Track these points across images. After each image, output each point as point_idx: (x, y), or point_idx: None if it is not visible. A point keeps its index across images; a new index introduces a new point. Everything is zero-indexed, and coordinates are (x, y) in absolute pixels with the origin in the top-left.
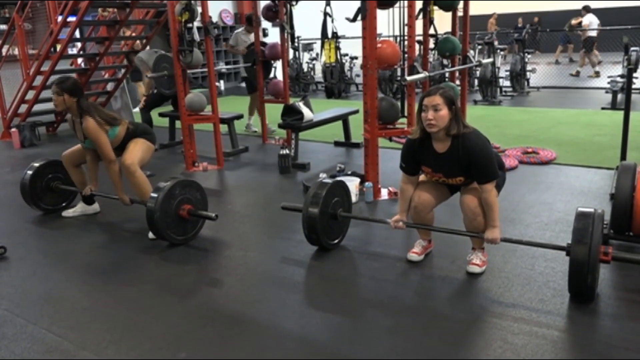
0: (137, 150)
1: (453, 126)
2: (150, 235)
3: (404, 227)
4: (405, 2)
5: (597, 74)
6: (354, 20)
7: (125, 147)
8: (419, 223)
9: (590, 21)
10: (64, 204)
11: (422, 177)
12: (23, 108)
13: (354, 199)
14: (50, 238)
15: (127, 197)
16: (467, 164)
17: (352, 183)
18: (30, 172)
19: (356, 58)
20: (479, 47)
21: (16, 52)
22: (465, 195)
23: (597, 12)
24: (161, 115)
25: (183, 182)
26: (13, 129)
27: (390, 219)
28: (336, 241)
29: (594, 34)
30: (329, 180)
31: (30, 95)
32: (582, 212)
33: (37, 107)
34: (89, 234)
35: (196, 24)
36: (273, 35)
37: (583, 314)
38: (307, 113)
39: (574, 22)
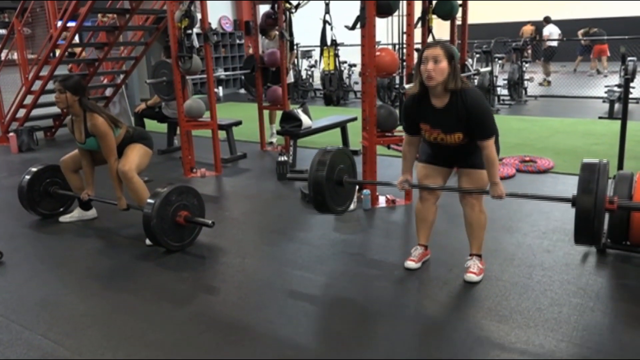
0: (135, 156)
1: (451, 81)
2: (148, 241)
3: (409, 188)
4: (404, 11)
5: (549, 83)
6: (353, 28)
7: (122, 152)
8: (424, 216)
9: (551, 32)
10: (61, 209)
11: (423, 171)
12: (21, 113)
13: (351, 206)
14: (47, 243)
15: (124, 201)
16: (466, 118)
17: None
18: (28, 177)
19: (355, 65)
20: (477, 55)
21: (15, 56)
22: (466, 207)
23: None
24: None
25: (180, 189)
26: (11, 134)
27: (396, 182)
28: (342, 208)
29: (554, 44)
30: (333, 147)
31: (29, 100)
32: (587, 163)
33: (35, 112)
34: (85, 239)
35: (195, 30)
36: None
37: (580, 323)
38: (305, 120)
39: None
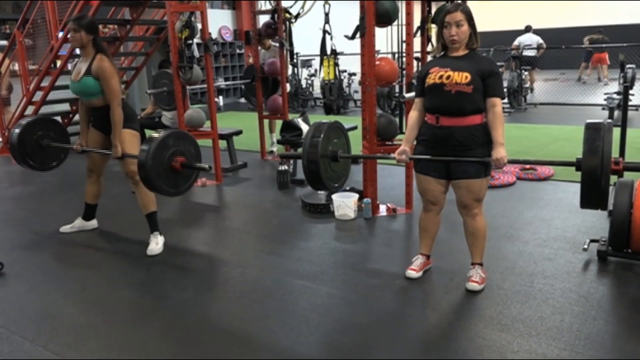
0: (134, 153)
1: (473, 41)
2: (148, 252)
3: (407, 160)
4: (404, 20)
5: (531, 91)
6: (352, 37)
7: (109, 123)
8: (426, 225)
9: (520, 41)
10: (54, 163)
11: (420, 185)
12: None
13: (352, 215)
14: (47, 254)
15: (120, 149)
16: (481, 69)
17: (351, 199)
18: (18, 130)
19: (355, 74)
20: None
21: (16, 67)
22: (466, 217)
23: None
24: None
25: (177, 134)
26: None
27: (394, 155)
28: (337, 184)
29: (530, 53)
30: (326, 122)
31: (30, 110)
32: (591, 123)
33: None
34: (86, 250)
35: (196, 40)
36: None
37: (583, 331)
38: (305, 129)
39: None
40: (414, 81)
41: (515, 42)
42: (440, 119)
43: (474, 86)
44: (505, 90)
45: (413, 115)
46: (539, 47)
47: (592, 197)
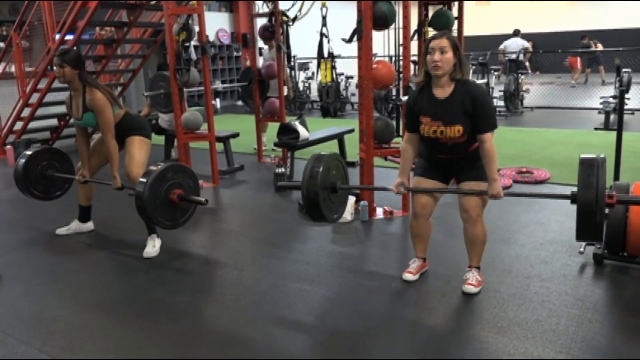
0: (141, 157)
1: (457, 71)
2: (145, 254)
3: (405, 192)
4: (401, 24)
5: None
6: (349, 41)
7: (122, 139)
8: (418, 232)
9: (506, 45)
10: (57, 193)
11: (419, 181)
12: (19, 125)
13: (349, 217)
14: (43, 257)
15: (119, 180)
16: (470, 107)
17: (348, 202)
18: (23, 160)
19: (352, 77)
20: (473, 67)
21: (13, 69)
22: (463, 199)
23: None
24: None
25: (176, 167)
26: (8, 146)
27: (392, 187)
28: (336, 215)
29: (514, 57)
30: (325, 153)
31: (26, 112)
32: (585, 158)
33: (33, 125)
34: (82, 252)
35: (193, 43)
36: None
37: (579, 334)
38: (303, 132)
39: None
40: (411, 85)
41: (501, 46)
42: (440, 156)
43: (467, 135)
44: (501, 93)
45: (407, 148)
46: (519, 52)
47: (588, 230)
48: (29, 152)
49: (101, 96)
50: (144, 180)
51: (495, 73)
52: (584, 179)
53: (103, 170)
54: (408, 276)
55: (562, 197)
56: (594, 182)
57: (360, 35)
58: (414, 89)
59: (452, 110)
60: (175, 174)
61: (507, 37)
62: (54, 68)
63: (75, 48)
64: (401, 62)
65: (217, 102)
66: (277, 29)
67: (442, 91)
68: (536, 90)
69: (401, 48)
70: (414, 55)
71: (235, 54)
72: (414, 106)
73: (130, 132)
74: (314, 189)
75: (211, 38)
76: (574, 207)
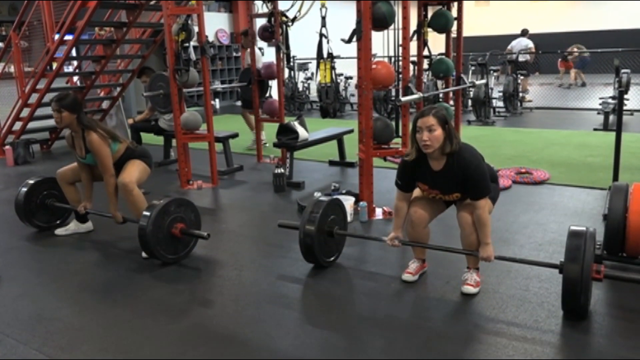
0: (135, 170)
1: (447, 145)
2: (144, 254)
3: (399, 245)
4: (400, 24)
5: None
6: (349, 41)
7: (122, 167)
8: (415, 239)
9: (512, 45)
10: (58, 222)
11: (417, 192)
12: (18, 125)
13: (348, 218)
14: (42, 257)
15: (120, 215)
16: (462, 180)
17: (347, 202)
18: (25, 189)
19: (351, 78)
20: (473, 68)
21: (12, 69)
22: (463, 210)
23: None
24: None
25: (178, 201)
26: (7, 147)
27: (386, 237)
28: (332, 259)
29: (522, 58)
30: (325, 198)
31: (25, 112)
32: (574, 230)
33: (32, 125)
34: (81, 253)
35: (192, 43)
36: (269, 55)
37: (577, 334)
38: (302, 132)
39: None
40: (410, 85)
41: (509, 47)
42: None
43: (465, 195)
44: (500, 94)
45: (401, 207)
46: (520, 52)
47: (572, 305)
48: (30, 181)
49: (97, 138)
50: (148, 214)
51: (495, 74)
52: (572, 252)
53: (104, 201)
54: (407, 276)
55: (550, 266)
56: (581, 256)
57: (360, 35)
58: (413, 89)
59: (448, 182)
60: (177, 207)
61: (506, 37)
62: (53, 113)
63: (71, 92)
64: (400, 63)
65: (217, 103)
66: (277, 29)
67: (437, 163)
68: (535, 91)
69: (400, 48)
70: (413, 55)
71: (234, 54)
72: (411, 174)
73: (132, 158)
74: (310, 233)
75: (210, 38)
76: (573, 208)
